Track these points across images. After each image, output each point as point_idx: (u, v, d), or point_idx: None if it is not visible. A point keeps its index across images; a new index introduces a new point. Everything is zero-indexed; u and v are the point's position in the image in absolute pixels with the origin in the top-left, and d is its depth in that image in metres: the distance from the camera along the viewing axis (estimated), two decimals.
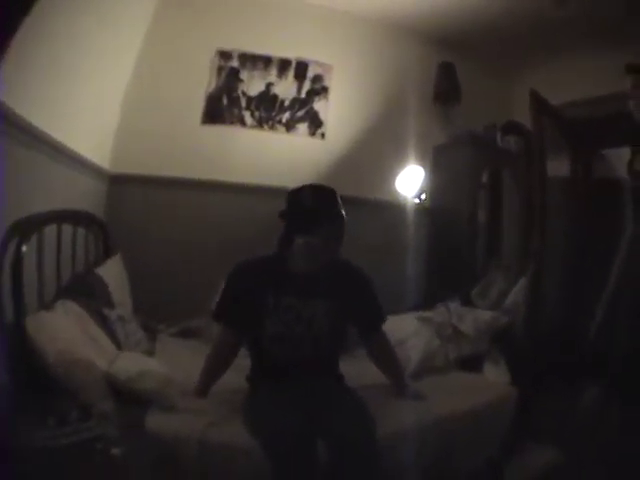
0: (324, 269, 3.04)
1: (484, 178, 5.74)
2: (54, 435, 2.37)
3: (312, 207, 2.93)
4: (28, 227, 3.04)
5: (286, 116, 5.98)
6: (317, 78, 6.05)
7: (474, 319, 4.34)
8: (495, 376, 3.98)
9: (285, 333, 2.98)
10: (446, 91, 6.35)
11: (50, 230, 3.48)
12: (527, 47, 6.06)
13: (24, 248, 2.87)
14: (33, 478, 2.18)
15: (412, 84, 6.34)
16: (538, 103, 4.59)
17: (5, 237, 2.82)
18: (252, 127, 5.86)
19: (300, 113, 6.03)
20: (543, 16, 5.25)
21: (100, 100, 4.74)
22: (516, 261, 5.10)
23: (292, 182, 5.25)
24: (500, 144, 5.63)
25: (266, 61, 5.89)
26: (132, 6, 4.97)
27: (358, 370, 3.40)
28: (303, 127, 6.05)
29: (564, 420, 3.82)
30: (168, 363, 3.30)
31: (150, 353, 3.77)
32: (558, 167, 4.83)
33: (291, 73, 5.98)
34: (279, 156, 5.91)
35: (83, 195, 4.49)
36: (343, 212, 2.97)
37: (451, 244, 5.72)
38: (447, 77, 6.34)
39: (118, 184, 5.28)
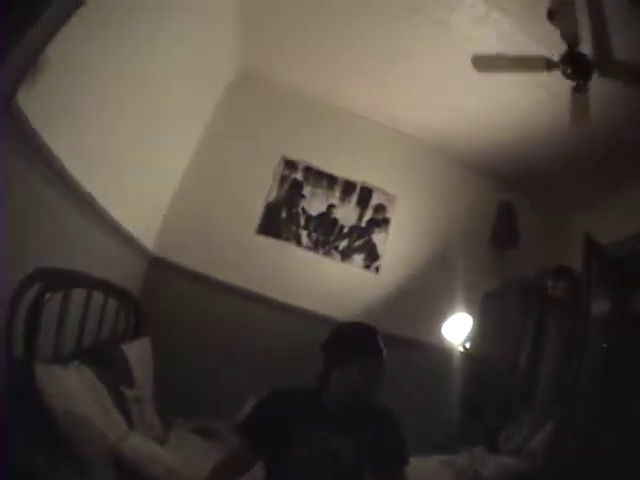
0: (356, 408, 3.02)
1: (530, 325, 5.63)
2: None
3: (353, 341, 3.01)
4: (56, 280, 3.00)
5: (343, 244, 5.99)
6: (379, 208, 6.10)
7: (496, 464, 4.25)
8: None
9: (308, 465, 2.91)
10: (504, 235, 6.35)
11: (78, 292, 3.42)
12: (583, 187, 6.06)
13: (48, 295, 2.80)
14: None
15: (472, 223, 6.41)
16: (591, 247, 4.56)
17: (27, 278, 2.76)
18: (307, 248, 5.86)
19: (358, 243, 6.03)
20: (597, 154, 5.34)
21: (157, 178, 4.85)
22: (546, 406, 4.97)
23: (339, 312, 5.39)
24: (550, 290, 5.56)
25: (330, 180, 6.00)
26: (201, 92, 5.21)
27: None
28: (359, 258, 6.03)
29: None
30: (179, 456, 3.27)
31: (162, 442, 3.68)
32: (599, 306, 4.77)
33: (354, 198, 6.06)
34: (330, 283, 5.88)
35: (121, 267, 4.47)
36: (384, 351, 2.99)
37: (488, 392, 5.51)
38: (506, 220, 6.37)
39: (159, 267, 5.28)
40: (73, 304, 3.30)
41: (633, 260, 4.84)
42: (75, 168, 3.03)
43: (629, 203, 5.66)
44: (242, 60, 5.67)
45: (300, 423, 2.92)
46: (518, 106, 4.98)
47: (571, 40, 3.68)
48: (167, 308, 5.18)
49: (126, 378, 3.67)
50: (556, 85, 4.25)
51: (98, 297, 3.79)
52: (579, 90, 3.99)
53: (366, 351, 2.95)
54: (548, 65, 3.93)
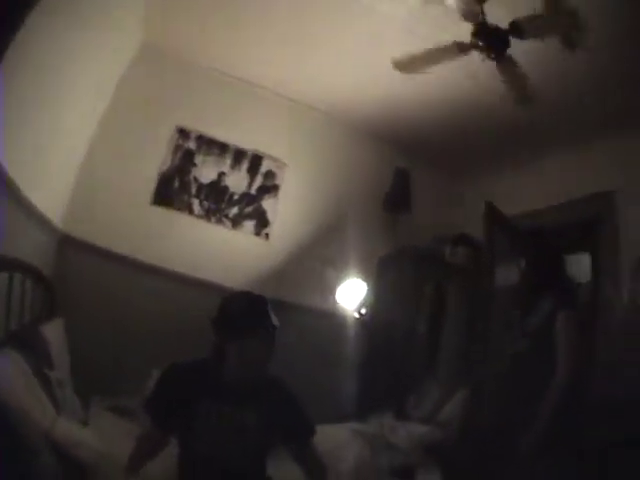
0: (255, 379, 3.05)
1: (428, 290, 5.78)
2: None
3: (243, 316, 2.99)
4: None
5: (234, 211, 6.02)
6: (269, 175, 6.17)
7: (407, 432, 4.43)
8: None
9: (214, 440, 2.96)
10: (397, 200, 6.57)
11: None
12: (483, 155, 6.38)
13: None
14: None
15: (365, 189, 6.61)
16: (492, 214, 4.71)
17: None
18: (199, 217, 5.86)
19: (248, 210, 6.08)
20: (501, 125, 5.56)
21: (63, 156, 4.73)
22: (454, 373, 5.14)
23: (232, 280, 5.45)
24: (448, 257, 5.72)
25: (222, 148, 5.99)
26: (103, 67, 5.05)
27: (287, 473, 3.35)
28: (249, 225, 6.09)
29: None
30: (103, 438, 3.27)
31: (84, 423, 3.69)
32: (507, 276, 4.94)
33: (245, 165, 6.08)
34: (222, 251, 5.92)
35: (34, 247, 4.35)
36: (275, 321, 3.01)
37: (388, 357, 5.69)
38: (400, 185, 6.59)
39: (68, 245, 5.11)
40: None
41: (540, 232, 5.04)
42: None
43: (532, 177, 5.91)
44: (146, 32, 5.54)
45: (200, 398, 2.96)
46: (418, 75, 5.07)
47: (474, 18, 3.70)
48: (76, 286, 5.03)
49: (47, 360, 3.63)
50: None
51: (18, 279, 3.72)
52: (500, 60, 3.98)
53: (257, 324, 2.96)
54: (461, 48, 3.93)
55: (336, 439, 4.28)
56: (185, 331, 4.99)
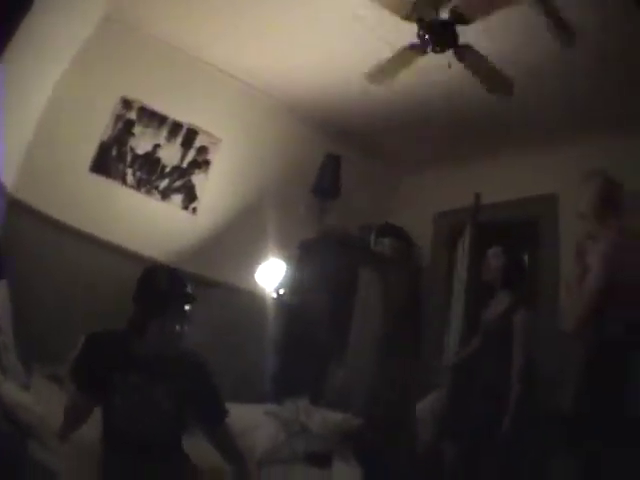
0: (171, 354, 3.15)
1: (349, 276, 5.92)
2: None
3: (163, 293, 3.11)
4: None
5: (164, 183, 6.03)
6: (202, 150, 6.21)
7: (323, 419, 4.46)
8: (344, 473, 4.12)
9: (130, 411, 3.04)
10: (325, 186, 6.67)
11: None
12: (418, 146, 6.66)
13: None
14: None
15: (294, 172, 6.72)
16: (478, 206, 4.87)
17: None
18: (131, 187, 5.84)
19: (178, 183, 6.11)
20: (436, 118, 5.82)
21: (20, 122, 4.72)
22: (365, 359, 5.35)
23: (157, 252, 5.49)
24: (373, 246, 5.85)
25: (161, 120, 6.00)
26: (60, 39, 5.01)
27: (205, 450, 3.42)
28: (177, 198, 6.12)
29: None
30: (43, 404, 3.29)
31: (26, 388, 3.71)
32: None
33: (180, 139, 6.11)
34: (149, 223, 5.94)
35: None
36: (192, 296, 3.16)
37: (306, 340, 5.77)
38: (330, 171, 6.69)
39: (16, 208, 4.99)
40: None
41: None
42: None
43: (470, 172, 6.11)
44: (107, 5, 5.50)
45: (118, 370, 3.03)
46: (358, 61, 5.11)
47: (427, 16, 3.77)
48: (21, 250, 4.89)
49: None
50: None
51: None
52: (459, 53, 4.03)
53: (177, 301, 3.10)
54: (418, 50, 4.02)
55: (251, 420, 4.33)
56: (111, 300, 5.03)
